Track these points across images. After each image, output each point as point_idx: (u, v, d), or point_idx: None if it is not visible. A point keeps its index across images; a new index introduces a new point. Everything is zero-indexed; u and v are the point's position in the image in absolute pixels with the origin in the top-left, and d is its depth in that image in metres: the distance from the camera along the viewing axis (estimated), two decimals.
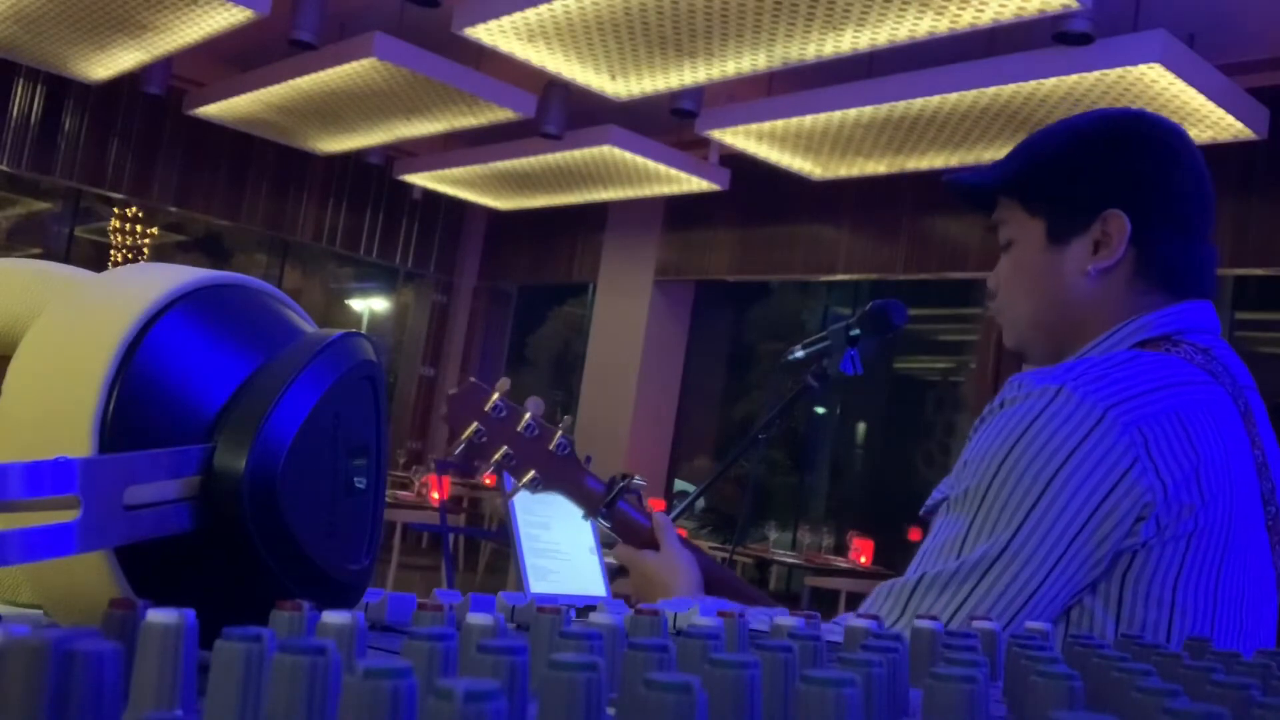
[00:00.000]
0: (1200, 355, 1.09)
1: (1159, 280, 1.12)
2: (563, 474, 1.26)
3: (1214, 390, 1.06)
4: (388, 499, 3.31)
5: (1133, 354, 1.07)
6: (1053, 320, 1.16)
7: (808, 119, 5.69)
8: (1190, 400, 1.02)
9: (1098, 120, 1.18)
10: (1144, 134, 1.15)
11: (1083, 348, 1.13)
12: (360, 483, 0.62)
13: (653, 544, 1.31)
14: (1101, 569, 0.99)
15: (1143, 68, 4.44)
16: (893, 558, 6.66)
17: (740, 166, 7.07)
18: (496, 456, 1.23)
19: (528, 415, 1.24)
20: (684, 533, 1.36)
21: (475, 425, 1.23)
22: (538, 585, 1.37)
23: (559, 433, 1.26)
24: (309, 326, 0.64)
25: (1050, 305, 1.16)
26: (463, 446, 1.23)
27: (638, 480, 1.32)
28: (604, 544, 1.52)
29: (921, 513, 1.12)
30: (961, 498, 1.03)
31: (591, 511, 1.29)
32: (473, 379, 1.28)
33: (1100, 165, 1.14)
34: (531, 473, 1.24)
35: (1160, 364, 1.05)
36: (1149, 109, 5.04)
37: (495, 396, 1.24)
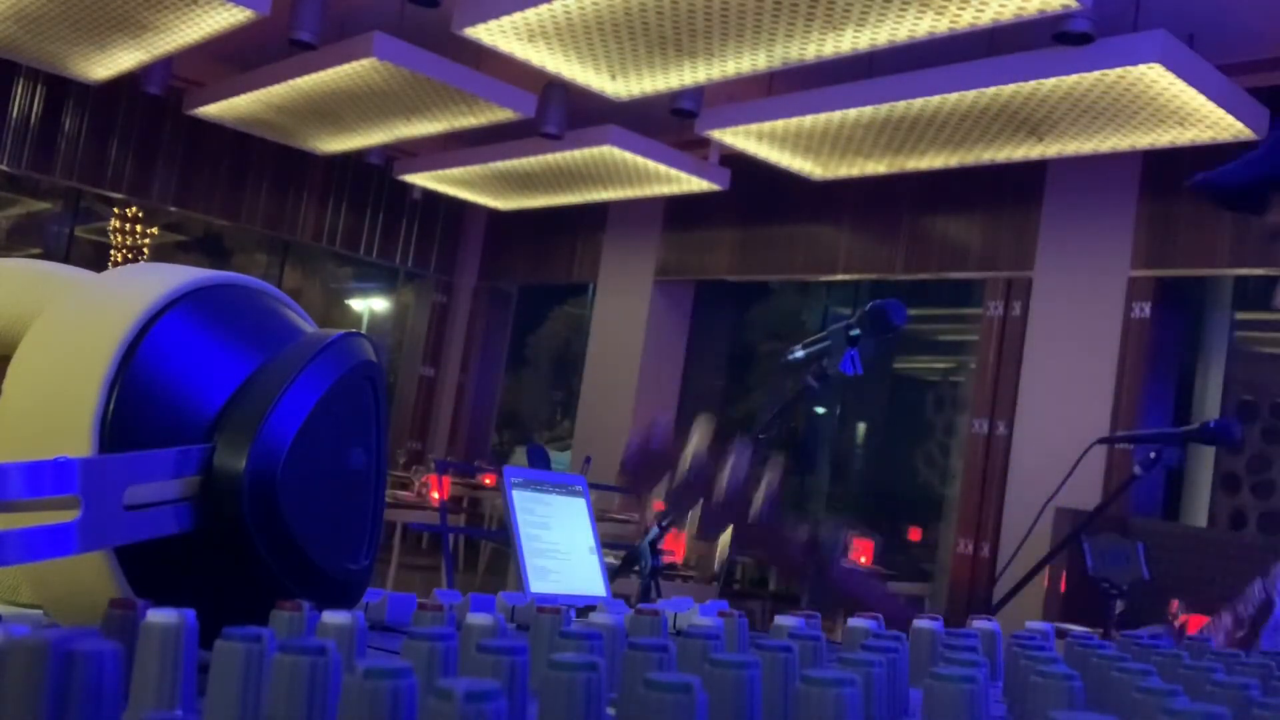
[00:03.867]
0: None
1: None
2: (763, 540, 1.12)
3: None
4: (388, 499, 3.31)
5: None
6: None
7: (808, 119, 5.69)
8: None
9: None
10: None
11: None
12: (360, 483, 0.62)
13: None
14: None
15: (1143, 68, 4.44)
16: (893, 558, 6.65)
17: (740, 166, 7.07)
18: (691, 515, 1.09)
19: (728, 469, 1.09)
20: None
21: (670, 479, 1.08)
22: (538, 585, 1.36)
23: (760, 497, 1.09)
24: (309, 326, 0.64)
25: None
26: (666, 494, 1.08)
27: (847, 533, 1.14)
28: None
29: None
30: None
31: (801, 581, 1.13)
32: (665, 420, 1.12)
33: None
34: (730, 530, 1.09)
35: None
36: (1148, 109, 5.02)
37: (693, 446, 1.09)
